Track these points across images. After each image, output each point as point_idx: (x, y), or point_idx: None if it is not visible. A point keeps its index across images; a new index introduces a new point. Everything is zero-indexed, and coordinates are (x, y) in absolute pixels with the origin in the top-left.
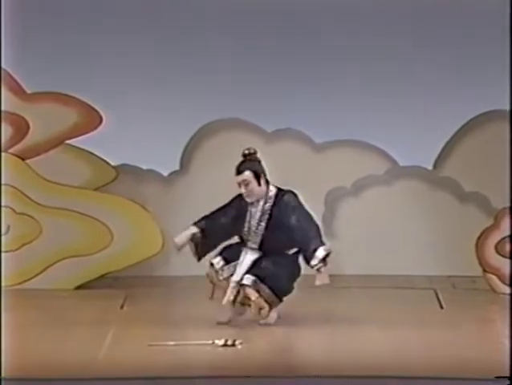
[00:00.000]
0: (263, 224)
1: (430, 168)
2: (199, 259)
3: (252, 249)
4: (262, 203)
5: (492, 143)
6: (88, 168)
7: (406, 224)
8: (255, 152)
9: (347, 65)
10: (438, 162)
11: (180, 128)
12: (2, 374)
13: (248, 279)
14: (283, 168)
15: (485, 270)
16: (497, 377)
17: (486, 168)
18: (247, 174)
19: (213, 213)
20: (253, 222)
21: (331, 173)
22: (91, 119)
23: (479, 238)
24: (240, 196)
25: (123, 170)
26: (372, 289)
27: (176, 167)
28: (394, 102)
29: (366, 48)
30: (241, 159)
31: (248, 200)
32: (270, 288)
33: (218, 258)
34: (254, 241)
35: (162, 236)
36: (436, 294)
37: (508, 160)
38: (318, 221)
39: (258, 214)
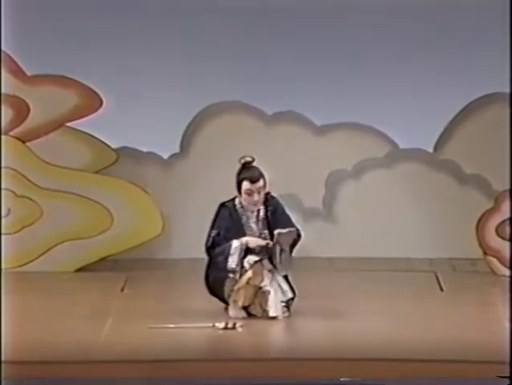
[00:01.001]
0: (266, 232)
1: (431, 150)
2: None
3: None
4: (255, 212)
5: (492, 125)
6: (88, 150)
7: (406, 207)
8: (254, 160)
9: (348, 48)
10: (439, 144)
11: (180, 111)
12: (2, 358)
13: (278, 311)
14: (284, 150)
15: (485, 253)
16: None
17: (487, 150)
18: (262, 182)
19: (218, 235)
20: (256, 232)
21: (331, 156)
22: (91, 102)
23: (479, 221)
24: (222, 209)
25: (123, 153)
26: (372, 272)
27: (177, 150)
28: (395, 84)
29: (366, 31)
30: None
31: (254, 208)
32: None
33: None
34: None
35: (162, 218)
36: (437, 277)
37: (508, 143)
38: (319, 204)
39: (255, 222)
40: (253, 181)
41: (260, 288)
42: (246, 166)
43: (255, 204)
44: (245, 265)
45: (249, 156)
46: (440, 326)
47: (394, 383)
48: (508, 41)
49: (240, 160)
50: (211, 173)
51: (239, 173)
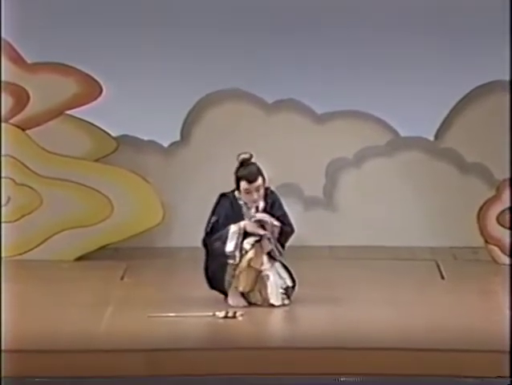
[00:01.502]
0: None
1: (432, 138)
2: None
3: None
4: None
5: (494, 113)
6: (88, 138)
7: (407, 195)
8: (252, 156)
9: (349, 34)
10: (440, 133)
11: (180, 99)
12: (2, 347)
13: (279, 300)
14: (284, 139)
15: (486, 241)
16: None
17: (488, 138)
18: (260, 180)
19: (217, 222)
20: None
21: (332, 144)
22: (91, 90)
23: (481, 209)
24: (223, 198)
25: (123, 141)
26: (373, 260)
27: (177, 138)
28: (395, 72)
29: (367, 18)
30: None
31: (254, 204)
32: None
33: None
34: None
35: (162, 207)
36: (438, 265)
37: (508, 131)
38: (320, 192)
39: (255, 212)
40: (250, 181)
41: (260, 272)
42: (244, 164)
43: (254, 201)
44: (246, 246)
45: (247, 153)
46: (441, 314)
47: (396, 372)
48: (508, 28)
49: (237, 158)
50: (211, 161)
51: (237, 171)
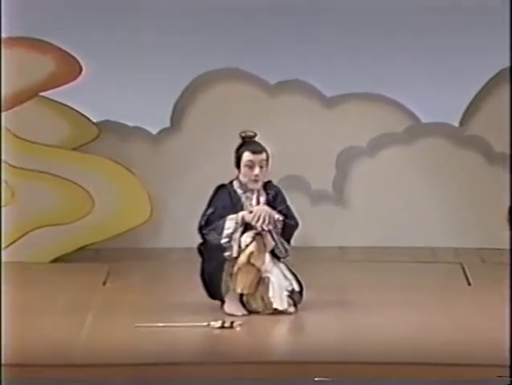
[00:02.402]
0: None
1: (456, 125)
2: None
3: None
4: (256, 194)
5: None
6: (66, 124)
7: (428, 189)
8: (256, 135)
9: (361, 9)
10: (465, 118)
11: (171, 80)
12: None
13: (283, 303)
14: (288, 125)
15: None
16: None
17: None
18: (265, 155)
19: (213, 213)
20: None
21: (342, 131)
22: (69, 69)
23: (511, 206)
24: (220, 189)
25: (105, 127)
26: (391, 263)
27: (167, 124)
28: (415, 49)
29: None
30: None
31: (253, 186)
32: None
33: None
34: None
35: (150, 202)
36: (463, 269)
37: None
38: (329, 186)
39: (255, 205)
40: (255, 152)
41: (260, 275)
42: (247, 140)
43: (256, 179)
44: (246, 239)
45: (251, 131)
46: (467, 326)
47: None
48: None
49: (240, 134)
50: (206, 151)
51: (239, 148)
